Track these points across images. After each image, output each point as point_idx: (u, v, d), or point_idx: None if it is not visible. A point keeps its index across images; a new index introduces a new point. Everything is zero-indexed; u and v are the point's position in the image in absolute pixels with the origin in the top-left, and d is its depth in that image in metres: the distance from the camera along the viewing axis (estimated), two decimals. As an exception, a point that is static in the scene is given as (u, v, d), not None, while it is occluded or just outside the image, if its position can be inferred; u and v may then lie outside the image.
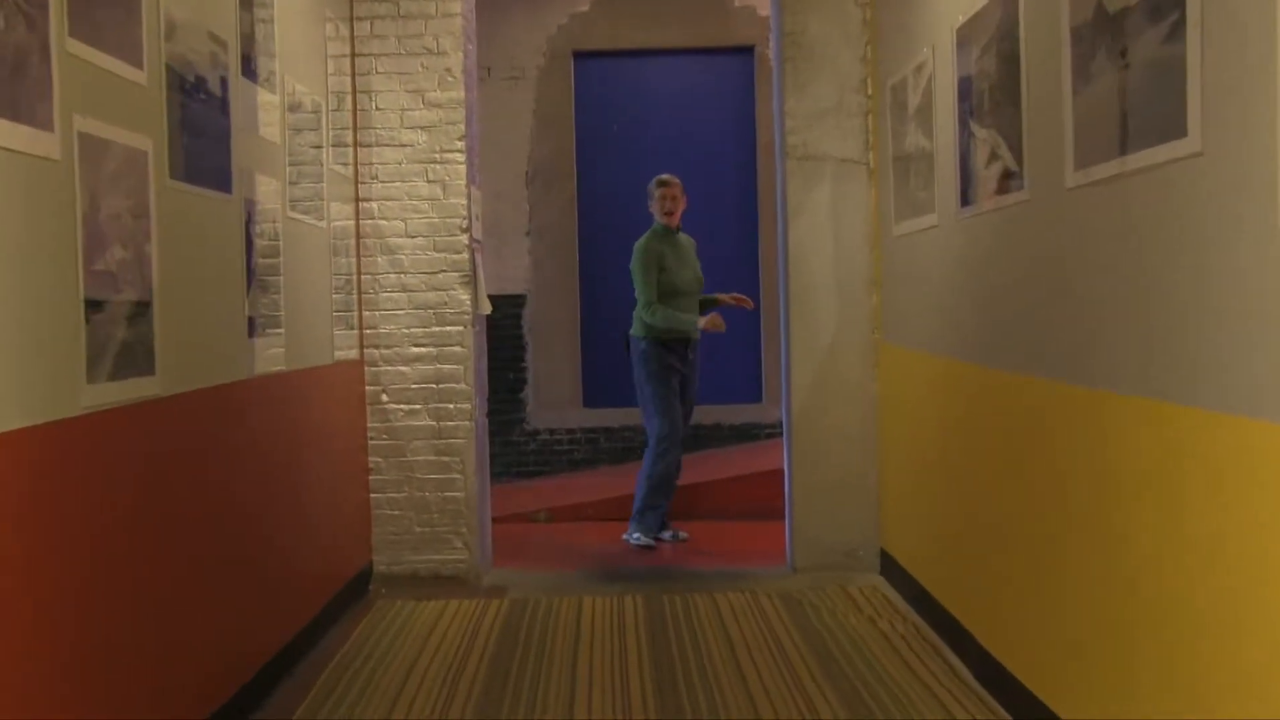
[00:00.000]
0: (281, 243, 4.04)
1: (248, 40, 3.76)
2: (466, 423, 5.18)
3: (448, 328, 5.18)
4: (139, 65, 2.92)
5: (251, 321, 3.73)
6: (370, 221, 5.16)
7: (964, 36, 3.74)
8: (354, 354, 5.06)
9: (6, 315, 2.29)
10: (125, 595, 2.80)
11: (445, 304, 5.17)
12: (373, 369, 5.18)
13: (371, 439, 5.18)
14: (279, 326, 4.00)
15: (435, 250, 5.16)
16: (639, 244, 5.97)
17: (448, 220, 5.17)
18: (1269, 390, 2.01)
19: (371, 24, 5.13)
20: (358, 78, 5.12)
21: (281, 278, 4.02)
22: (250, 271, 3.73)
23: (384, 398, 5.18)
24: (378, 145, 5.15)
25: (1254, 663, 2.09)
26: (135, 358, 2.86)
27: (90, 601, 2.62)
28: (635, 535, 5.93)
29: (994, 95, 3.45)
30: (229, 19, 3.59)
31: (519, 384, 7.90)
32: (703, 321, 5.83)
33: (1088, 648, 2.84)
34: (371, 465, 5.19)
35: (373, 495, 5.19)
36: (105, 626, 2.70)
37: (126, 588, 2.80)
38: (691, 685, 3.79)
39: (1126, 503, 2.60)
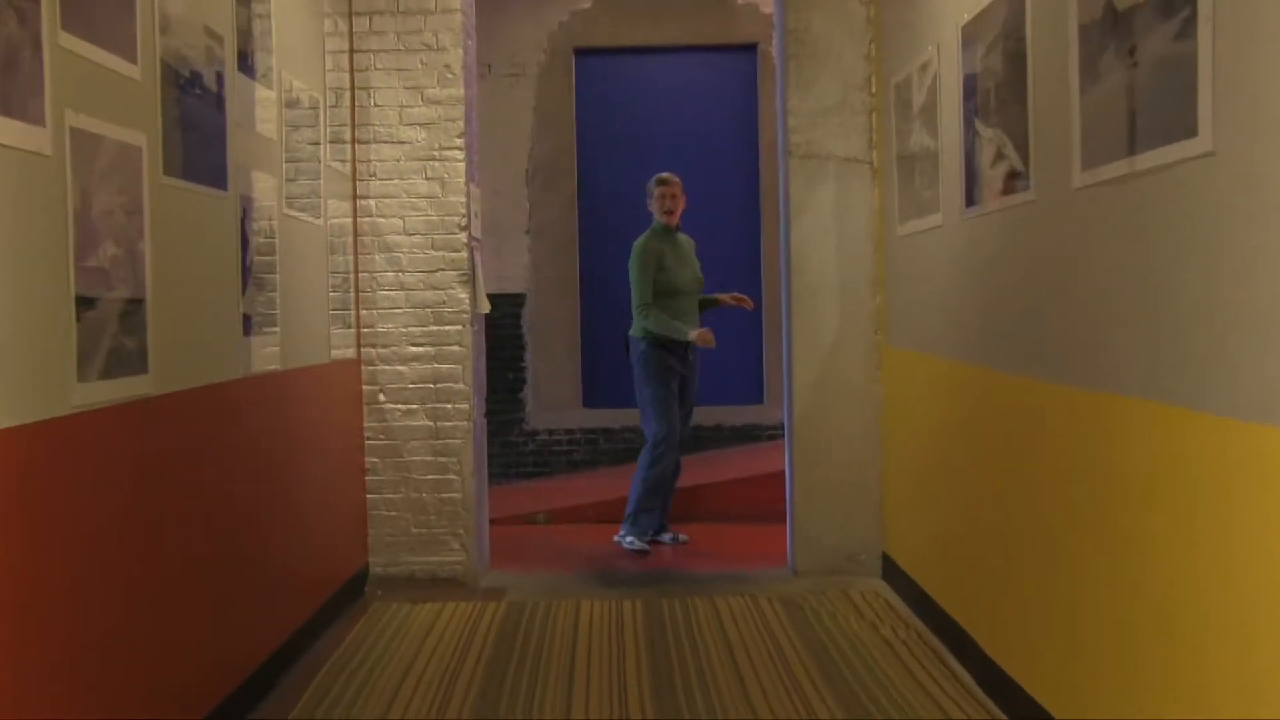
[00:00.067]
0: (278, 240, 4.00)
1: (244, 35, 3.73)
2: (464, 423, 5.14)
3: (446, 327, 5.14)
4: (133, 60, 2.88)
5: (247, 320, 3.70)
6: (368, 219, 5.12)
7: (969, 34, 3.70)
8: (351, 353, 5.02)
9: (-6, 313, 2.25)
10: (117, 597, 2.76)
11: (443, 303, 5.13)
12: (370, 368, 5.14)
13: (368, 439, 5.14)
14: (275, 325, 3.96)
15: (434, 249, 5.12)
16: (638, 243, 5.93)
17: (446, 218, 5.13)
18: (1282, 395, 1.97)
19: (370, 20, 5.10)
20: (356, 74, 5.08)
21: (278, 275, 3.99)
22: (246, 269, 3.69)
23: (381, 397, 5.14)
24: (376, 142, 5.11)
25: (1261, 669, 2.06)
26: (127, 356, 2.82)
27: (81, 603, 2.59)
28: (628, 539, 5.88)
29: (1000, 94, 3.41)
30: (225, 14, 3.55)
31: (518, 384, 7.86)
32: (693, 335, 5.76)
33: (1091, 653, 2.81)
34: (368, 466, 5.14)
35: (369, 496, 5.15)
36: (97, 628, 2.66)
37: (119, 589, 2.77)
38: (690, 689, 3.75)
39: (1133, 507, 2.56)
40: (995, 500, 3.56)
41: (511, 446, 7.80)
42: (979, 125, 3.62)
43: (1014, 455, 3.38)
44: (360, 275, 5.11)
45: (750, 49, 7.84)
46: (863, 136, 5.15)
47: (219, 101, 3.48)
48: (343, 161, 4.96)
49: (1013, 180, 3.31)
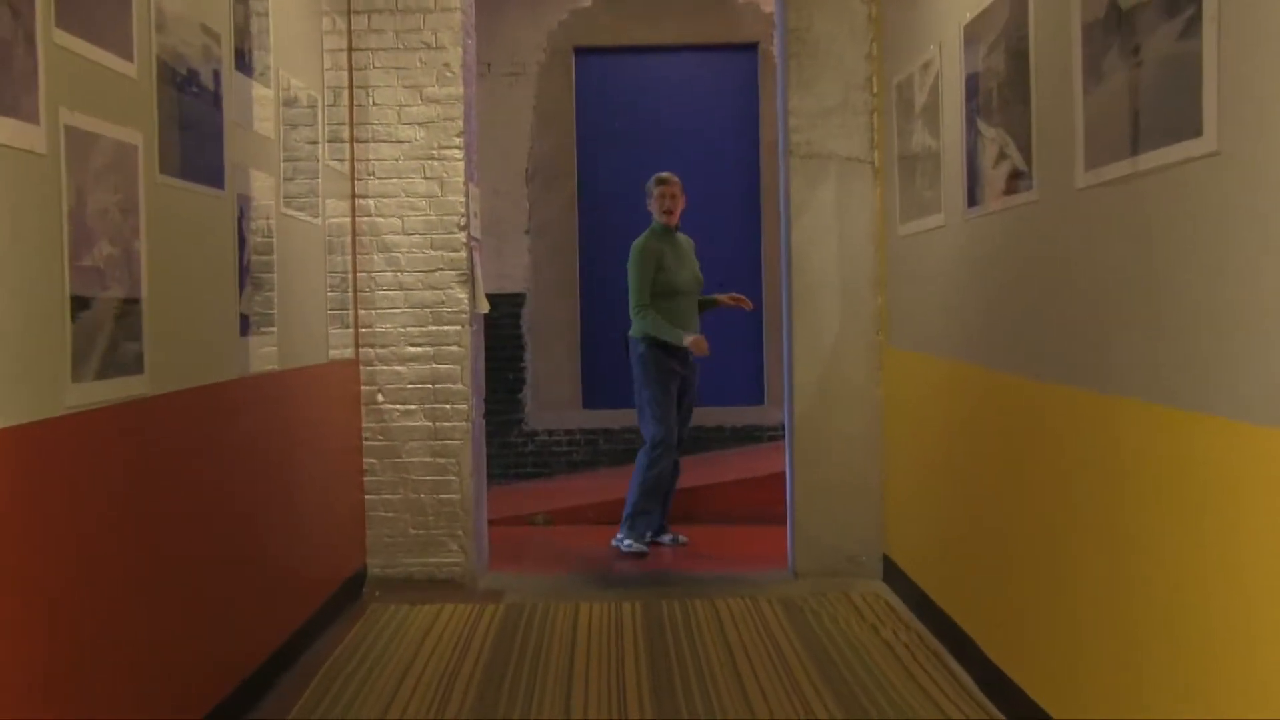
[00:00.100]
0: (275, 240, 3.98)
1: (242, 33, 3.70)
2: (463, 424, 5.12)
3: (445, 327, 5.12)
4: (129, 57, 2.86)
5: (244, 320, 3.67)
6: (366, 219, 5.10)
7: (972, 33, 3.68)
8: (349, 353, 4.99)
9: (-14, 312, 2.23)
10: (114, 598, 2.75)
11: (442, 303, 5.11)
12: (368, 368, 5.11)
13: (366, 440, 5.12)
14: (272, 325, 3.94)
15: (432, 248, 5.10)
16: (636, 243, 5.90)
17: (445, 218, 5.10)
18: (1289, 398, 1.95)
19: (369, 18, 5.07)
20: (355, 72, 5.06)
21: (275, 275, 3.96)
22: (243, 269, 3.67)
23: (379, 398, 5.12)
24: (374, 141, 5.09)
25: (1267, 671, 2.05)
26: (123, 356, 2.80)
27: (77, 604, 2.57)
28: (626, 541, 5.83)
29: (1002, 93, 3.39)
30: (223, 11, 3.53)
31: (517, 384, 7.84)
32: (688, 340, 5.73)
33: (1093, 656, 2.79)
34: (366, 466, 5.12)
35: (367, 497, 5.12)
36: (94, 629, 2.64)
37: (115, 590, 2.75)
38: (689, 692, 3.73)
39: (1137, 510, 2.54)
40: (997, 502, 3.54)
41: (511, 447, 7.77)
42: (981, 125, 3.60)
43: (1016, 457, 3.36)
44: (358, 275, 5.09)
45: (751, 48, 7.82)
46: (864, 136, 5.12)
47: (216, 100, 3.46)
48: (341, 160, 4.94)
49: (1015, 180, 3.29)
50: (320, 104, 4.70)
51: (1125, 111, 2.53)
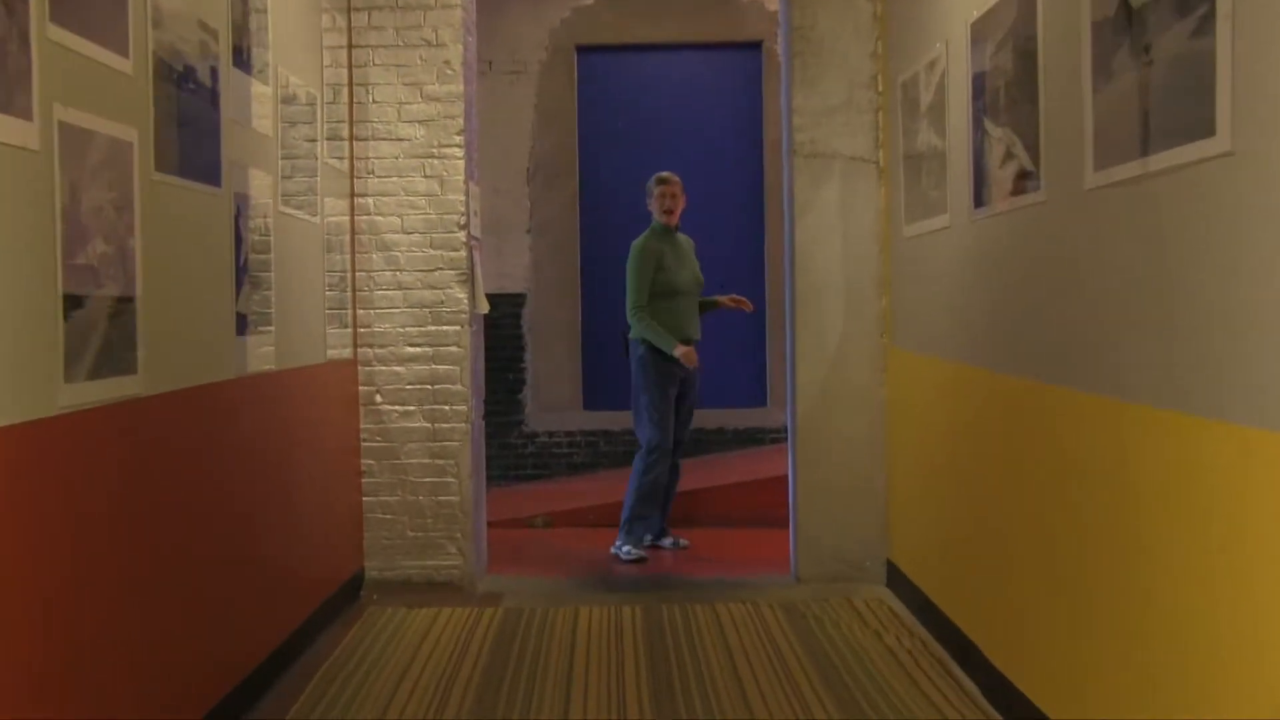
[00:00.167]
0: (273, 238, 3.94)
1: (240, 30, 3.66)
2: (462, 425, 5.08)
3: (444, 327, 5.08)
4: (124, 54, 2.82)
5: (241, 319, 3.64)
6: (365, 217, 5.06)
7: (979, 32, 3.64)
8: (347, 353, 4.96)
9: (-24, 311, 2.19)
10: (110, 598, 2.72)
11: (442, 303, 5.07)
12: (366, 369, 5.07)
13: (364, 440, 5.08)
14: (270, 324, 3.90)
15: (432, 248, 5.06)
16: (636, 243, 5.86)
17: (445, 217, 5.06)
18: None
19: (369, 15, 5.03)
20: (354, 70, 5.02)
21: (273, 274, 3.93)
22: (240, 268, 3.63)
23: (378, 398, 5.08)
24: (374, 139, 5.05)
25: (1276, 680, 2.01)
26: (117, 356, 2.76)
27: (72, 605, 2.54)
28: (625, 548, 5.75)
29: (1010, 93, 3.35)
30: (220, 7, 3.49)
31: (517, 385, 7.80)
32: (678, 352, 5.68)
33: (1099, 662, 2.75)
34: (364, 468, 5.08)
35: (365, 498, 5.08)
36: (89, 630, 2.62)
37: (110, 591, 2.72)
38: (689, 697, 3.69)
39: (1145, 516, 2.50)
40: (1002, 506, 3.50)
41: (510, 448, 7.73)
42: (988, 124, 3.56)
43: (1021, 460, 3.32)
44: (357, 274, 5.05)
45: (755, 46, 7.78)
46: (869, 135, 5.08)
47: (213, 97, 3.42)
48: (340, 159, 4.90)
49: (1022, 181, 3.25)
50: (319, 101, 4.67)
51: (1136, 111, 2.49)
